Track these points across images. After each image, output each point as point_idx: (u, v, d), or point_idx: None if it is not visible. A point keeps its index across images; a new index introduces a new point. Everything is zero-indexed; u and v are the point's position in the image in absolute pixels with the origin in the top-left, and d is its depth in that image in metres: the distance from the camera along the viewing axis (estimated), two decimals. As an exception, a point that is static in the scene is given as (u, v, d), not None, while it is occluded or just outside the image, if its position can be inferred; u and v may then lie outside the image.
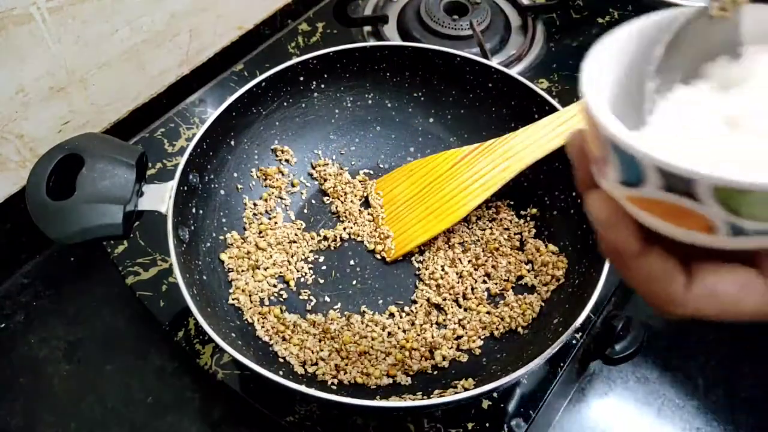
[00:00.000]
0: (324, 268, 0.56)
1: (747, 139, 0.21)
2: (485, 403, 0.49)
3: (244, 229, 0.56)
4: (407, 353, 0.50)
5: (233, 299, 0.51)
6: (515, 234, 0.57)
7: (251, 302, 0.52)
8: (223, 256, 0.53)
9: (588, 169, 0.25)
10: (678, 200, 0.21)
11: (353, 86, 0.61)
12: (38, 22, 0.52)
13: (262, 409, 0.49)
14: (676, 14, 0.24)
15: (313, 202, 0.60)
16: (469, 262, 0.55)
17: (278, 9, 0.77)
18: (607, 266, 0.44)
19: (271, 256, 0.55)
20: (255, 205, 0.58)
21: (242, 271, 0.53)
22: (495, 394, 0.49)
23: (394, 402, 0.42)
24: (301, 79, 0.58)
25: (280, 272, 0.55)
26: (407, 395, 0.46)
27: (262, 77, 0.54)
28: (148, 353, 0.54)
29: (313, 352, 0.49)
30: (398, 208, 0.58)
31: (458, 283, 0.54)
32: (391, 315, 0.53)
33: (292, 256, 0.56)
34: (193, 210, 0.51)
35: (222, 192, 0.56)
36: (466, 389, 0.45)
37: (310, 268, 0.56)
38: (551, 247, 0.54)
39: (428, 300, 0.53)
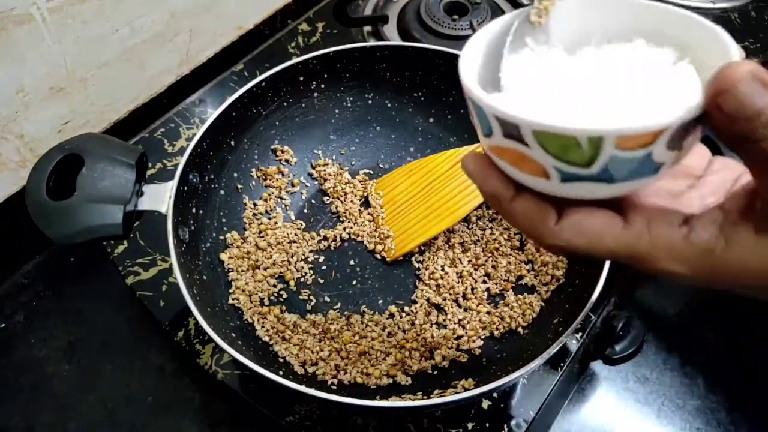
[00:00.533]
0: (324, 268, 0.56)
1: (569, 96, 0.26)
2: (485, 403, 0.49)
3: (244, 229, 0.56)
4: (407, 353, 0.50)
5: (233, 299, 0.51)
6: (515, 234, 0.57)
7: (251, 302, 0.52)
8: (223, 256, 0.53)
9: None
10: (516, 146, 0.24)
11: (353, 86, 0.61)
12: (38, 22, 0.52)
13: (262, 409, 0.49)
14: (520, 12, 0.29)
15: (313, 202, 0.60)
16: (469, 262, 0.55)
17: (278, 9, 0.77)
18: (607, 266, 0.44)
19: (271, 256, 0.55)
20: (255, 205, 0.58)
21: (242, 271, 0.53)
22: (495, 394, 0.49)
23: (394, 402, 0.42)
24: (301, 79, 0.58)
25: (280, 272, 0.55)
26: (407, 395, 0.46)
27: (262, 77, 0.54)
28: (148, 353, 0.54)
29: (313, 352, 0.49)
30: (398, 208, 0.58)
31: (458, 283, 0.54)
32: (391, 315, 0.53)
33: (292, 256, 0.56)
34: (193, 210, 0.51)
35: (222, 192, 0.56)
36: (466, 389, 0.45)
37: (310, 268, 0.56)
38: (551, 247, 0.54)
39: (428, 300, 0.53)
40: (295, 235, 0.57)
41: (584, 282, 0.48)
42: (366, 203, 0.60)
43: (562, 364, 0.50)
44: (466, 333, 0.51)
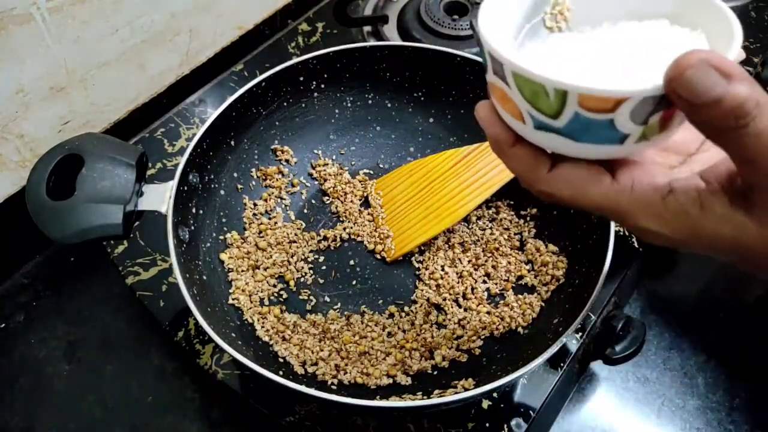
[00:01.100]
0: (324, 268, 0.56)
1: (566, 57, 0.28)
2: (485, 403, 0.49)
3: (244, 229, 0.56)
4: (407, 353, 0.50)
5: (233, 299, 0.51)
6: (515, 234, 0.57)
7: (251, 302, 0.52)
8: (223, 256, 0.53)
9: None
10: (501, 84, 0.26)
11: (353, 86, 0.61)
12: (38, 22, 0.52)
13: (262, 409, 0.49)
14: None
15: (313, 202, 0.60)
16: (469, 262, 0.55)
17: (278, 9, 0.77)
18: (607, 266, 0.44)
19: (271, 256, 0.55)
20: (255, 205, 0.58)
21: (242, 271, 0.53)
22: (495, 394, 0.49)
23: (394, 402, 0.42)
24: (301, 79, 0.58)
25: (280, 272, 0.55)
26: (407, 395, 0.46)
27: (262, 77, 0.54)
28: (148, 353, 0.54)
29: (313, 352, 0.49)
30: (398, 208, 0.58)
31: (458, 283, 0.54)
32: (391, 315, 0.53)
33: (292, 256, 0.56)
34: (193, 210, 0.51)
35: (222, 192, 0.56)
36: (466, 389, 0.45)
37: (310, 268, 0.56)
38: (551, 247, 0.54)
39: (428, 300, 0.53)
40: (295, 235, 0.57)
41: (584, 282, 0.48)
42: (366, 203, 0.60)
43: (562, 364, 0.50)
44: (466, 333, 0.51)
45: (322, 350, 0.50)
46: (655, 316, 0.58)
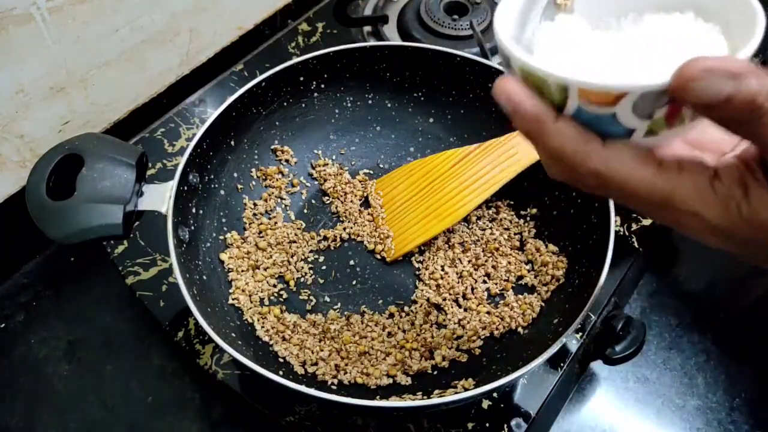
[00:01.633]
0: (324, 268, 0.56)
1: (579, 51, 0.27)
2: (485, 403, 0.49)
3: (244, 229, 0.56)
4: (407, 353, 0.50)
5: (233, 299, 0.51)
6: (515, 234, 0.57)
7: (251, 302, 0.52)
8: (223, 256, 0.53)
9: None
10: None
11: (353, 86, 0.61)
12: (38, 22, 0.52)
13: (262, 409, 0.49)
14: None
15: (313, 202, 0.60)
16: (469, 262, 0.55)
17: (278, 9, 0.77)
18: (607, 266, 0.44)
19: (271, 256, 0.55)
20: (255, 205, 0.58)
21: (242, 271, 0.53)
22: (495, 394, 0.49)
23: (394, 402, 0.42)
24: (301, 79, 0.58)
25: (280, 272, 0.55)
26: (407, 395, 0.46)
27: (262, 77, 0.54)
28: (148, 353, 0.54)
29: (313, 352, 0.49)
30: (398, 208, 0.58)
31: (458, 283, 0.54)
32: (391, 315, 0.53)
33: (292, 256, 0.56)
34: (193, 210, 0.51)
35: (222, 192, 0.56)
36: (466, 389, 0.45)
37: (310, 268, 0.56)
38: (551, 247, 0.54)
39: (428, 300, 0.53)
40: (295, 235, 0.57)
41: (584, 282, 0.48)
42: (366, 203, 0.60)
43: (562, 364, 0.50)
44: (466, 333, 0.51)
45: (322, 350, 0.50)
46: (655, 316, 0.58)
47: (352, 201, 0.59)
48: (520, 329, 0.51)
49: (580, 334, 0.52)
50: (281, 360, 0.49)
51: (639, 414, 0.53)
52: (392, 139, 0.63)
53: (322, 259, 0.57)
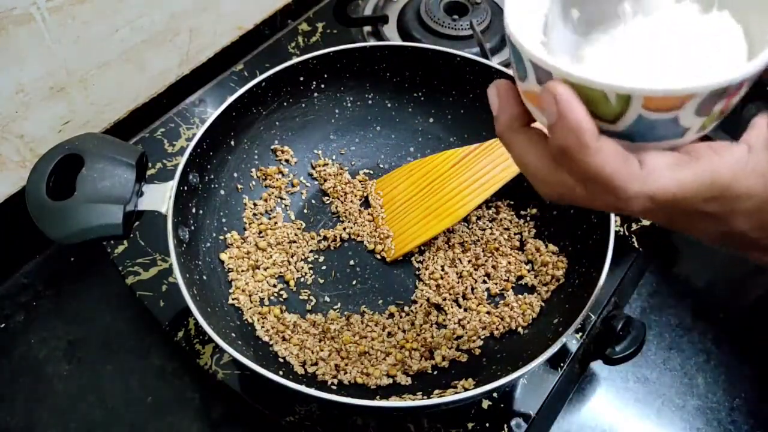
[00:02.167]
0: (324, 268, 0.56)
1: (610, 50, 0.26)
2: (485, 403, 0.49)
3: (244, 229, 0.56)
4: (407, 353, 0.50)
5: (233, 299, 0.51)
6: (515, 234, 0.57)
7: (251, 302, 0.52)
8: (223, 256, 0.53)
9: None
10: None
11: (353, 86, 0.61)
12: (38, 22, 0.52)
13: (262, 409, 0.49)
14: None
15: (313, 202, 0.60)
16: (469, 262, 0.55)
17: (278, 9, 0.77)
18: (607, 266, 0.44)
19: (271, 256, 0.55)
20: (255, 205, 0.58)
21: (242, 271, 0.53)
22: (495, 394, 0.49)
23: (394, 402, 0.42)
24: (301, 79, 0.58)
25: (280, 272, 0.55)
26: (407, 395, 0.46)
27: (262, 77, 0.54)
28: (148, 353, 0.54)
29: (313, 352, 0.49)
30: (398, 208, 0.58)
31: (458, 283, 0.54)
32: (391, 315, 0.53)
33: (292, 256, 0.56)
34: (193, 210, 0.51)
35: (222, 192, 0.56)
36: (466, 389, 0.45)
37: (310, 268, 0.56)
38: (551, 247, 0.54)
39: (428, 300, 0.53)
40: (295, 235, 0.57)
41: (584, 282, 0.48)
42: (366, 203, 0.60)
43: (562, 364, 0.50)
44: (466, 333, 0.51)
45: (322, 350, 0.50)
46: (655, 316, 0.58)
47: (352, 201, 0.59)
48: (520, 329, 0.51)
49: (580, 334, 0.52)
50: (281, 360, 0.49)
51: (639, 414, 0.53)
52: (392, 139, 0.63)
53: (322, 259, 0.57)
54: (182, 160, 0.48)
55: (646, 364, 0.55)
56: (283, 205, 0.59)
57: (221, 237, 0.54)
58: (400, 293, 0.55)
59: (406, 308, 0.53)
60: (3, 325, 0.55)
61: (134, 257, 0.56)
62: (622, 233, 0.58)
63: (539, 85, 0.25)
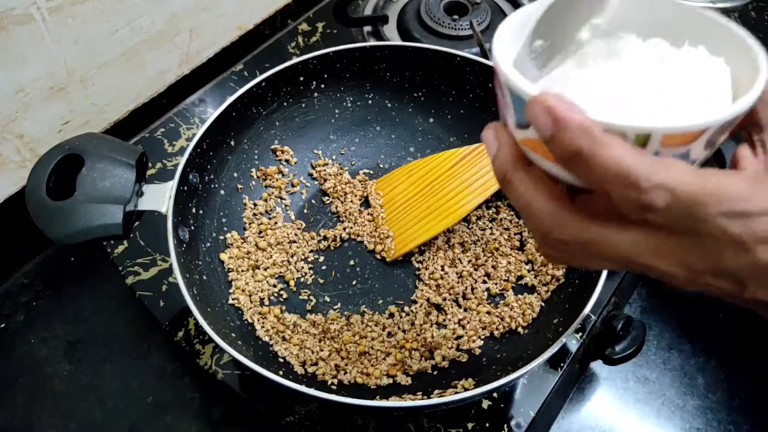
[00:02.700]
0: (324, 268, 0.56)
1: (608, 91, 0.26)
2: (485, 403, 0.49)
3: (244, 229, 0.56)
4: (407, 353, 0.50)
5: (233, 299, 0.51)
6: (515, 234, 0.57)
7: (251, 302, 0.52)
8: (223, 256, 0.53)
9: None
10: None
11: (353, 86, 0.61)
12: (38, 22, 0.52)
13: (262, 409, 0.49)
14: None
15: (313, 202, 0.60)
16: (469, 262, 0.55)
17: (278, 9, 0.77)
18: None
19: (271, 256, 0.55)
20: (255, 205, 0.58)
21: (242, 271, 0.53)
22: (495, 394, 0.49)
23: (394, 402, 0.42)
24: (301, 79, 0.58)
25: (280, 272, 0.55)
26: (407, 395, 0.46)
27: (262, 77, 0.54)
28: (148, 353, 0.54)
29: (313, 352, 0.49)
30: (398, 208, 0.58)
31: (458, 283, 0.54)
32: (391, 315, 0.53)
33: (292, 256, 0.56)
34: (193, 210, 0.51)
35: (222, 192, 0.56)
36: (466, 389, 0.45)
37: (310, 268, 0.56)
38: (551, 247, 0.54)
39: (428, 300, 0.53)
40: (295, 235, 0.57)
41: (584, 282, 0.48)
42: (366, 203, 0.60)
43: (562, 364, 0.50)
44: (466, 333, 0.51)
45: (322, 350, 0.50)
46: (655, 316, 0.58)
47: (352, 201, 0.59)
48: (520, 329, 0.51)
49: (580, 334, 0.52)
50: (281, 360, 0.49)
51: (639, 414, 0.53)
52: (392, 139, 0.63)
53: (322, 259, 0.57)
54: (182, 160, 0.48)
55: (646, 364, 0.55)
56: (283, 205, 0.59)
57: (221, 237, 0.54)
58: (400, 293, 0.55)
59: (406, 308, 0.53)
60: (3, 325, 0.55)
61: (134, 257, 0.56)
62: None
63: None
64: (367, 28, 0.77)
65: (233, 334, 0.47)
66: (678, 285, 0.25)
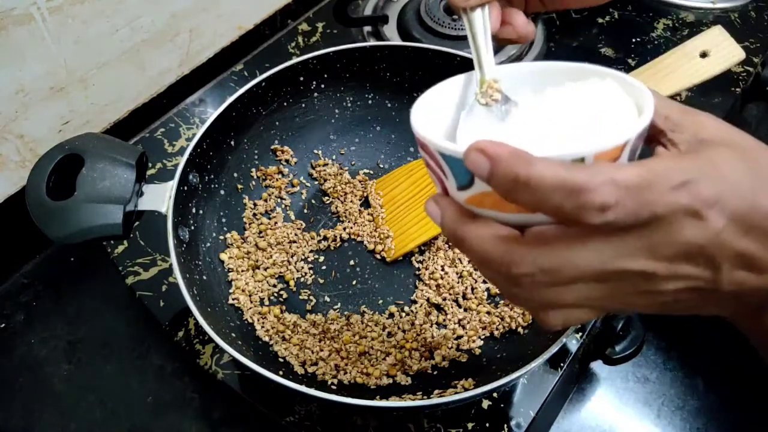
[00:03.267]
0: (324, 268, 0.56)
1: (527, 132, 0.31)
2: (485, 403, 0.49)
3: (244, 229, 0.56)
4: (407, 353, 0.50)
5: (233, 299, 0.51)
6: (515, 234, 0.57)
7: (251, 302, 0.52)
8: (223, 256, 0.53)
9: None
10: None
11: (353, 86, 0.61)
12: (38, 22, 0.52)
13: (262, 409, 0.49)
14: (466, 77, 0.37)
15: (313, 202, 0.60)
16: (469, 262, 0.55)
17: (278, 9, 0.77)
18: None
19: (271, 256, 0.55)
20: (255, 205, 0.58)
21: (242, 271, 0.53)
22: (495, 394, 0.49)
23: (394, 402, 0.42)
24: (301, 79, 0.58)
25: (280, 272, 0.55)
26: (407, 395, 0.46)
27: (262, 77, 0.54)
28: (148, 353, 0.54)
29: (313, 352, 0.49)
30: (398, 208, 0.58)
31: (458, 283, 0.54)
32: (391, 315, 0.53)
33: (292, 256, 0.56)
34: (193, 210, 0.51)
35: (222, 192, 0.56)
36: (466, 389, 0.45)
37: (310, 268, 0.56)
38: (551, 247, 0.54)
39: (428, 300, 0.53)
40: (295, 235, 0.57)
41: (584, 282, 0.48)
42: (366, 203, 0.60)
43: (562, 364, 0.50)
44: (466, 333, 0.51)
45: (322, 350, 0.50)
46: (655, 316, 0.58)
47: (352, 201, 0.59)
48: (520, 329, 0.51)
49: (580, 334, 0.52)
50: (281, 360, 0.49)
51: (639, 414, 0.53)
52: (392, 139, 0.63)
53: (322, 259, 0.57)
54: (182, 160, 0.48)
55: (646, 364, 0.55)
56: (283, 205, 0.59)
57: (221, 237, 0.54)
58: (400, 293, 0.55)
59: (406, 308, 0.53)
60: (3, 325, 0.56)
61: (134, 257, 0.56)
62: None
63: (486, 185, 0.25)
64: (367, 28, 0.77)
65: (233, 334, 0.47)
66: (666, 287, 0.25)
